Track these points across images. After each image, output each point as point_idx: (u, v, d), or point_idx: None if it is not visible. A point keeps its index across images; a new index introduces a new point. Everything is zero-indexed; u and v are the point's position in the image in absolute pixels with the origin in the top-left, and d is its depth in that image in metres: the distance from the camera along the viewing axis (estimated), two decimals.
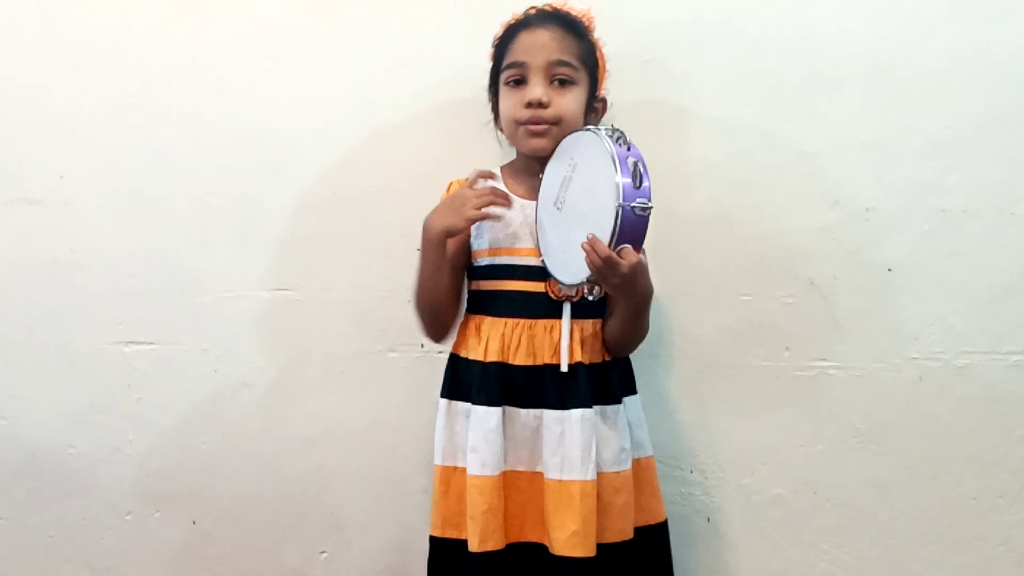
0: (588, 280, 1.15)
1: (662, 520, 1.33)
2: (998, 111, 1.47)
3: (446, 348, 1.37)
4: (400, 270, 1.50)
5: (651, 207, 1.11)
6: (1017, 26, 1.47)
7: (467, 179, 1.30)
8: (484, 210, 1.24)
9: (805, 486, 1.51)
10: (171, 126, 1.52)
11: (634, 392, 1.34)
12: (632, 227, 1.10)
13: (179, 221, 1.52)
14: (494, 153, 1.44)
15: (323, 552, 1.55)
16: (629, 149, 1.13)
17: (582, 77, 1.26)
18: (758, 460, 1.51)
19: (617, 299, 1.22)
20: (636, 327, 1.27)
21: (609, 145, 1.12)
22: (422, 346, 1.50)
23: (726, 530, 1.52)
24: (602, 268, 1.11)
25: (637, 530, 1.28)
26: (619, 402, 1.28)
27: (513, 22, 1.29)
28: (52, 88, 1.52)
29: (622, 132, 1.14)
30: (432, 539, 1.30)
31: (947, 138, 1.47)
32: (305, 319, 1.52)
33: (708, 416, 1.51)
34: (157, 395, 1.54)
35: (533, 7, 1.30)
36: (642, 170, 1.11)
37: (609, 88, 1.34)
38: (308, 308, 1.52)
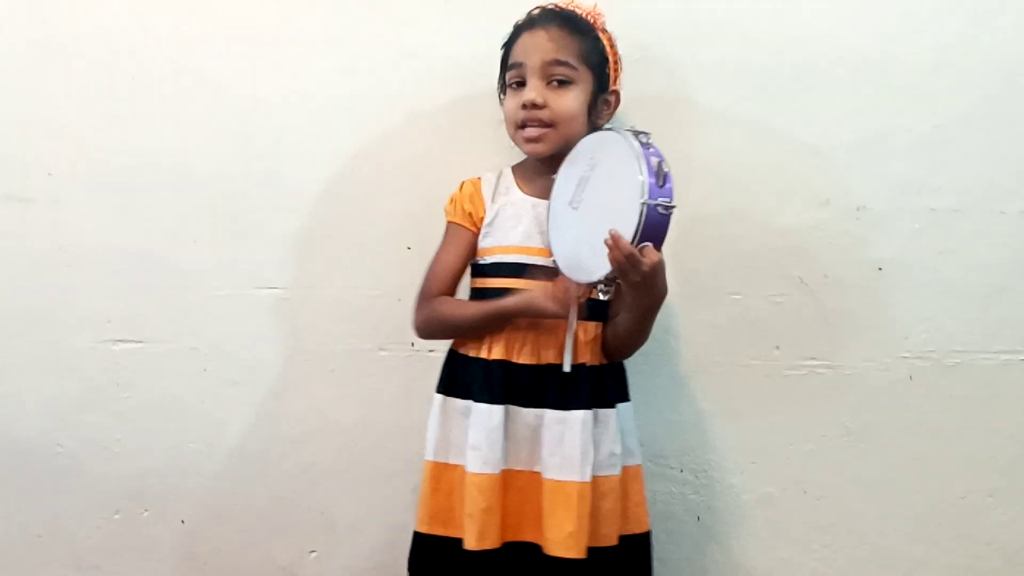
0: (606, 278, 1.14)
1: (647, 530, 1.33)
2: (987, 109, 1.48)
3: (438, 346, 1.36)
4: (391, 268, 1.50)
5: (674, 206, 1.11)
6: (1006, 23, 1.47)
7: (477, 178, 1.34)
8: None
9: (795, 485, 1.51)
10: (160, 123, 1.51)
11: (627, 399, 1.34)
12: (655, 226, 1.10)
13: (168, 219, 1.51)
14: (488, 149, 1.44)
15: (313, 551, 1.54)
16: (652, 149, 1.12)
17: (582, 76, 1.25)
18: (748, 459, 1.51)
19: (631, 299, 1.21)
20: (643, 329, 1.27)
21: (633, 143, 1.12)
22: (412, 344, 1.49)
23: (716, 529, 1.52)
24: (623, 264, 1.10)
25: (622, 538, 1.28)
26: (612, 407, 1.28)
27: (520, 23, 1.29)
28: (40, 85, 1.51)
29: (646, 132, 1.14)
30: (418, 535, 1.29)
31: (937, 136, 1.47)
32: (295, 317, 1.52)
33: (698, 415, 1.51)
34: (146, 393, 1.53)
35: (538, 7, 1.30)
36: (666, 170, 1.11)
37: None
38: (298, 306, 1.52)
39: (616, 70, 1.31)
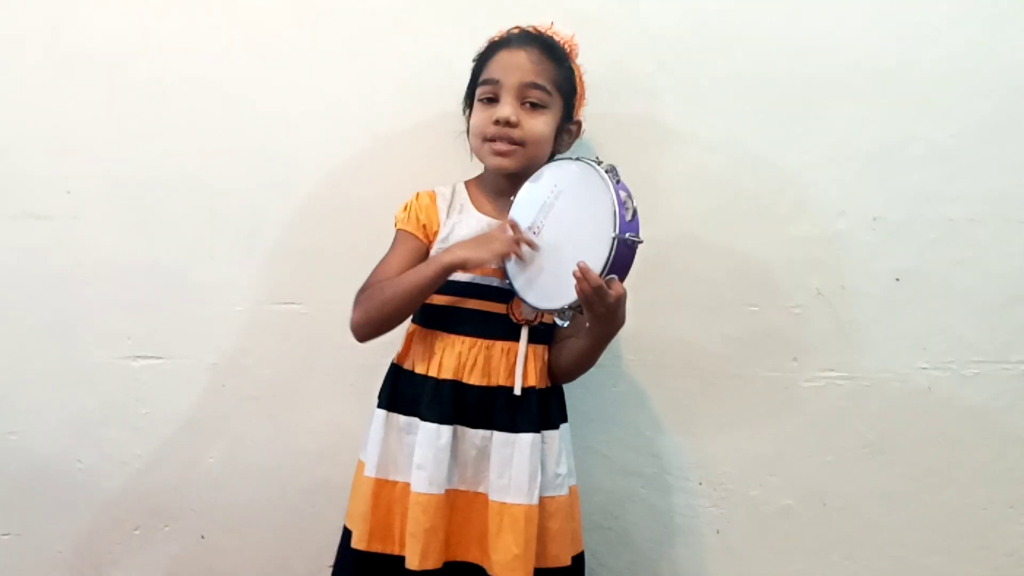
0: (570, 307, 1.15)
1: (582, 549, 1.32)
2: (1002, 117, 1.47)
3: None
4: None
5: (641, 241, 1.13)
6: (1020, 32, 1.47)
7: (432, 191, 1.33)
8: (513, 252, 1.19)
9: (814, 497, 1.51)
10: (178, 140, 1.51)
11: (566, 420, 1.33)
12: (622, 259, 1.12)
13: (186, 235, 1.52)
14: None
15: (331, 566, 1.54)
16: (620, 183, 1.14)
17: (554, 102, 1.27)
18: (767, 471, 1.51)
19: (590, 327, 1.21)
20: (596, 355, 1.27)
21: (605, 177, 1.13)
22: None
23: (735, 542, 1.51)
24: (590, 296, 1.11)
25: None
26: (556, 428, 1.28)
27: (496, 39, 1.30)
28: (58, 102, 1.51)
29: (612, 166, 1.15)
30: (355, 552, 1.26)
31: (952, 145, 1.47)
32: (312, 332, 1.52)
33: (716, 427, 1.50)
34: (165, 409, 1.54)
35: (518, 27, 1.30)
36: (634, 205, 1.13)
37: (586, 115, 1.34)
38: (315, 320, 1.52)
39: (580, 103, 1.33)
